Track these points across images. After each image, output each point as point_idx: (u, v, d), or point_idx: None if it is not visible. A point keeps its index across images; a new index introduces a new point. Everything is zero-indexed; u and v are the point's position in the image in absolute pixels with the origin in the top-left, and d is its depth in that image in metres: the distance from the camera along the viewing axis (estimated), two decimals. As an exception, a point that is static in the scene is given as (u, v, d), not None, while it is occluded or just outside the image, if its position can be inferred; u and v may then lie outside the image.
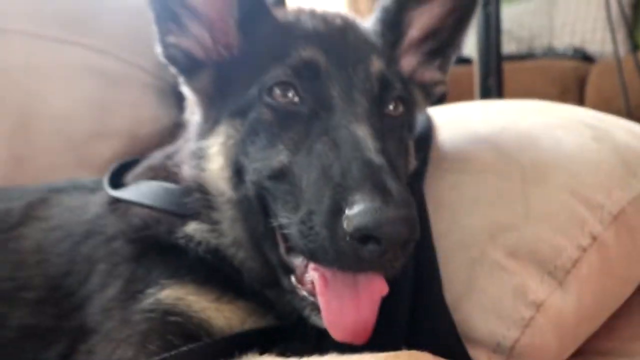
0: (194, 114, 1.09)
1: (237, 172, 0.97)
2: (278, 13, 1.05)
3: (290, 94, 0.94)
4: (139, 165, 1.23)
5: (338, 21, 1.06)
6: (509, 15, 3.28)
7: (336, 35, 1.01)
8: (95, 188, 1.22)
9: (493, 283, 0.96)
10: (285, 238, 0.90)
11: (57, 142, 1.60)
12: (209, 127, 1.03)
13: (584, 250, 0.98)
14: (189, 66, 1.06)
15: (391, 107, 1.00)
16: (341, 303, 0.86)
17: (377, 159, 0.84)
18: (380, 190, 0.79)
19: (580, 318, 0.98)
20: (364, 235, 0.77)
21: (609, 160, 1.08)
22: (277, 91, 0.94)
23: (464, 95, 1.67)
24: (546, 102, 1.32)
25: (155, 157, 1.21)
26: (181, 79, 1.09)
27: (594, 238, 0.98)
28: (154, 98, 1.71)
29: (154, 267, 1.00)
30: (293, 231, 0.85)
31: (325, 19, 1.05)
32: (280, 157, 0.91)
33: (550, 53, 2.97)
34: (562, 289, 0.96)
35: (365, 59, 0.98)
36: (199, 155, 1.03)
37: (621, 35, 2.68)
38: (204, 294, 0.96)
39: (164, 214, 1.05)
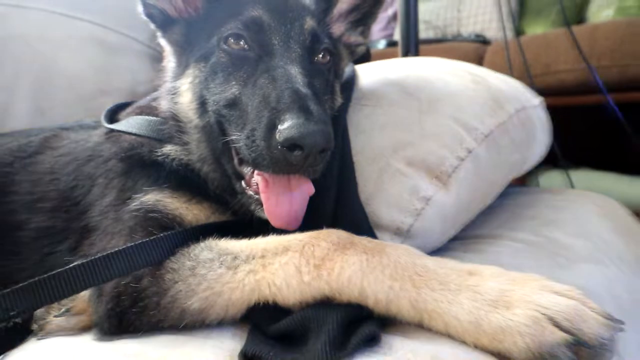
0: (169, 61, 1.07)
1: (202, 104, 0.97)
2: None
3: (241, 42, 0.94)
4: (130, 105, 1.21)
5: None
6: (428, 8, 3.29)
7: (280, 0, 1.00)
8: (96, 126, 1.20)
9: (395, 185, 0.97)
10: (237, 152, 0.90)
11: (70, 97, 1.56)
12: (180, 70, 1.02)
13: (462, 159, 0.99)
14: (164, 22, 1.05)
15: (320, 56, 1.00)
16: (278, 198, 0.87)
17: (304, 89, 0.85)
18: (304, 111, 0.80)
19: (459, 210, 1.01)
20: (291, 144, 0.78)
21: (483, 96, 1.09)
22: (231, 40, 0.94)
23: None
24: (443, 59, 1.33)
25: (143, 100, 1.19)
26: (159, 33, 1.07)
27: (469, 151, 1.00)
28: (148, 63, 1.67)
29: (139, 179, 0.99)
30: (241, 145, 0.86)
31: None
32: (233, 90, 0.92)
33: (458, 38, 2.97)
34: (445, 188, 0.98)
35: (301, 19, 0.98)
36: (173, 92, 1.02)
37: (509, 24, 2.70)
38: (177, 197, 0.96)
39: (147, 139, 1.05)
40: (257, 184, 0.89)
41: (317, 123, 0.79)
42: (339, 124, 1.05)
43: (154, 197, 0.95)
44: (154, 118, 1.07)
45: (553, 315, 0.63)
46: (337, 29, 1.17)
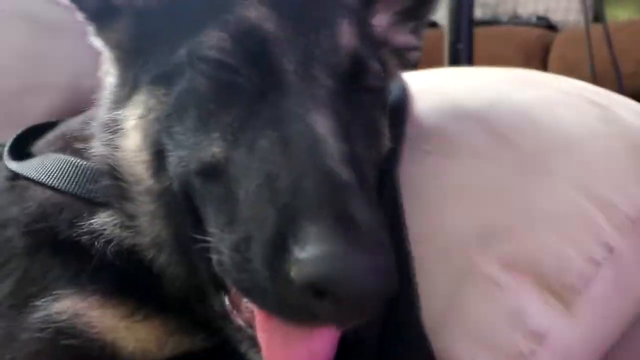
0: (108, 74, 0.74)
1: (158, 156, 0.65)
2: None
3: (229, 62, 0.62)
4: (52, 131, 0.87)
5: None
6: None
7: None
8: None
9: (483, 304, 0.66)
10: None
11: (-18, 96, 1.24)
12: (125, 93, 0.70)
13: (598, 265, 0.67)
14: (102, 12, 0.72)
15: (364, 86, 0.68)
16: (287, 341, 0.56)
17: (343, 172, 0.54)
18: (344, 223, 0.50)
19: (589, 351, 0.69)
20: (319, 290, 0.47)
21: (621, 148, 0.76)
22: (213, 57, 0.62)
23: (430, 61, 1.35)
24: (534, 71, 0.99)
25: (73, 123, 0.86)
26: (91, 28, 0.74)
27: (610, 249, 0.68)
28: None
29: (50, 269, 0.70)
30: (224, 255, 0.55)
31: None
32: (213, 148, 0.59)
33: (515, 20, 2.66)
34: (571, 315, 0.66)
35: (332, 24, 0.66)
36: (112, 129, 0.70)
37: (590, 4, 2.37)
38: (111, 308, 0.66)
39: (68, 199, 0.73)
40: (251, 311, 0.58)
41: (367, 251, 0.49)
42: (386, 185, 0.72)
43: (71, 307, 0.66)
44: (84, 163, 0.74)
45: None
46: (378, 23, 0.84)
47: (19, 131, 0.88)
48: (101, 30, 0.72)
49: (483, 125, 0.79)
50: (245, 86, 0.61)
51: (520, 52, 2.19)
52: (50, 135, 0.85)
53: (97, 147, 0.71)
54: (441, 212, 0.72)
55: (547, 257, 0.67)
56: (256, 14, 0.62)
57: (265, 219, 0.52)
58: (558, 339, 0.65)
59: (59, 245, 0.69)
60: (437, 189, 0.74)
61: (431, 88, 0.91)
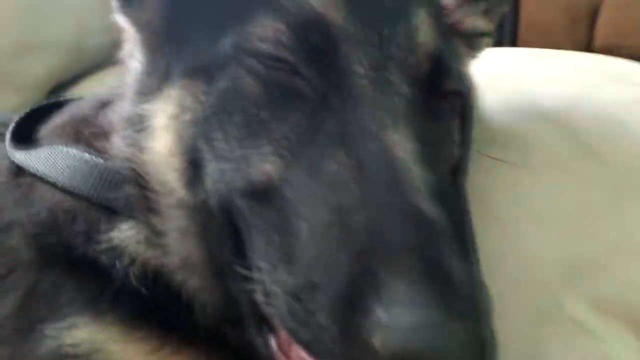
0: (132, 57, 0.63)
1: (193, 164, 0.56)
2: None
3: (288, 60, 0.52)
4: (61, 112, 0.77)
5: None
6: None
7: None
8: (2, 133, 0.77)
9: (568, 352, 0.59)
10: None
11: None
12: (153, 83, 0.59)
13: None
14: None
15: (444, 93, 0.59)
16: None
17: (431, 209, 0.46)
18: (438, 280, 0.42)
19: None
20: None
21: None
22: (266, 52, 0.52)
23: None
24: (613, 58, 0.88)
25: (84, 105, 0.75)
26: (115, 3, 0.63)
27: None
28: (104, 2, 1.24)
29: (61, 290, 0.61)
30: (277, 297, 0.47)
31: None
32: (265, 165, 0.50)
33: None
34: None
35: (409, 15, 0.56)
36: (137, 126, 0.60)
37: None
38: (134, 341, 0.58)
39: (82, 204, 0.63)
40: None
41: (466, 316, 0.42)
42: (455, 202, 0.63)
43: (88, 339, 0.58)
44: (100, 161, 0.65)
45: None
46: (449, 7, 0.73)
47: (21, 113, 0.77)
48: (127, 6, 0.62)
49: (564, 131, 0.70)
50: (304, 90, 0.52)
51: (566, 16, 2.06)
52: (58, 120, 0.75)
53: (118, 146, 0.62)
54: (518, 236, 0.63)
55: (646, 300, 0.59)
56: (320, 1, 0.52)
57: (335, 264, 0.44)
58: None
59: (73, 263, 0.61)
60: (512, 206, 0.65)
61: (500, 76, 0.81)
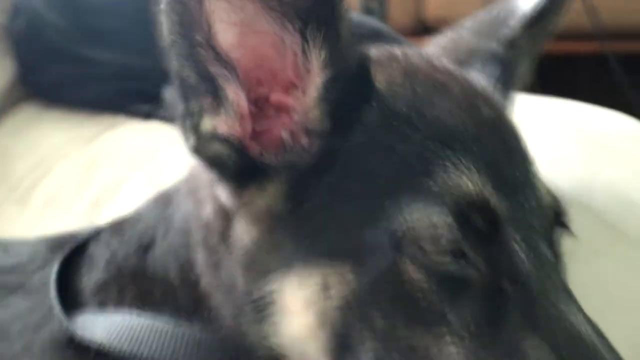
0: (239, 230, 0.57)
1: (342, 343, 0.52)
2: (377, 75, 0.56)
3: (460, 248, 0.50)
4: (94, 260, 0.66)
5: (480, 95, 0.60)
6: None
7: (490, 133, 0.56)
8: (21, 284, 0.66)
9: None
10: None
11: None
12: (272, 260, 0.55)
13: None
14: (242, 169, 0.55)
15: None
16: None
17: None
18: None
19: None
20: None
21: None
22: (430, 246, 0.50)
23: None
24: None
25: (122, 247, 0.65)
26: (226, 189, 0.56)
27: None
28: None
29: None
30: None
31: (464, 91, 0.58)
32: (449, 347, 0.49)
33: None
34: None
35: (534, 181, 0.57)
36: (256, 305, 0.55)
37: None
38: None
39: None
40: None
41: None
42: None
43: None
44: (194, 334, 0.58)
45: None
46: None
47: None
48: (241, 191, 0.56)
49: (587, 213, 0.76)
50: (473, 275, 0.51)
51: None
52: (99, 274, 0.65)
53: (230, 324, 0.57)
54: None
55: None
56: (471, 181, 0.51)
57: None
58: None
59: None
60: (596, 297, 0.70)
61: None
